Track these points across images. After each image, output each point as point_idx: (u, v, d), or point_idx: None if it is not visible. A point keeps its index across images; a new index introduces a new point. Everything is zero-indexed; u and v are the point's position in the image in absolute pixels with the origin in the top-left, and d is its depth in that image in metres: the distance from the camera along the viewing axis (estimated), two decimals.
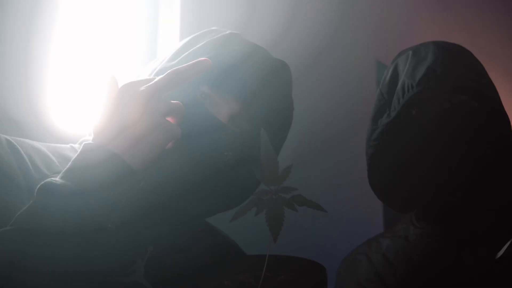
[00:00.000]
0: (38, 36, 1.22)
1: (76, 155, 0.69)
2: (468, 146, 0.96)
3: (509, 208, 1.00)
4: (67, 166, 0.68)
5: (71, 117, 1.26)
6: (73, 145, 0.88)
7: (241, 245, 0.98)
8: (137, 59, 1.43)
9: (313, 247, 1.11)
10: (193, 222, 0.88)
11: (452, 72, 0.97)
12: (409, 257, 1.02)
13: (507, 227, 0.97)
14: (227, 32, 0.90)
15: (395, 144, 1.01)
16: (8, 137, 0.79)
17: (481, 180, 0.97)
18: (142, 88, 0.71)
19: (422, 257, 1.01)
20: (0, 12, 1.16)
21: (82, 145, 0.70)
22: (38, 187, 0.65)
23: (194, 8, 1.47)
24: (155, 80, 0.72)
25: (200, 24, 1.43)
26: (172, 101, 0.73)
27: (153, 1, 1.48)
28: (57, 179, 0.66)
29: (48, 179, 0.66)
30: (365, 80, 1.90)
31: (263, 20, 1.57)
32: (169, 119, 0.74)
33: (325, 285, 0.74)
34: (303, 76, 1.62)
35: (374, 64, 2.03)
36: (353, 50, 1.85)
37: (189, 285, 0.76)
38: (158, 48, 1.45)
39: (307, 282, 0.72)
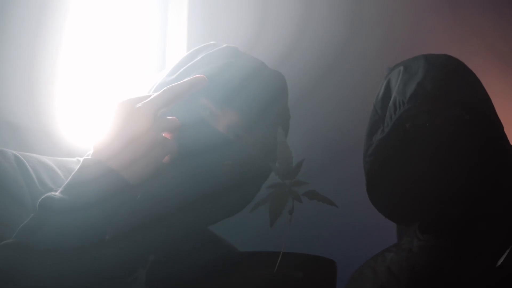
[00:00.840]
0: (46, 46, 1.24)
1: (75, 170, 0.71)
2: (463, 159, 0.96)
3: (507, 216, 0.99)
4: (67, 181, 0.70)
5: (78, 129, 1.28)
6: (79, 158, 0.91)
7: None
8: (146, 69, 1.46)
9: (325, 248, 1.12)
10: (195, 231, 0.90)
11: (442, 88, 0.97)
12: (412, 269, 1.02)
13: (506, 235, 0.96)
14: (224, 45, 0.92)
15: (391, 159, 1.01)
16: (15, 152, 0.82)
17: (477, 191, 0.97)
18: (139, 105, 0.72)
19: (424, 268, 1.01)
20: (8, 16, 1.19)
21: (81, 160, 0.72)
22: (38, 201, 0.68)
23: (201, 20, 1.50)
24: (151, 97, 0.73)
25: (206, 35, 1.46)
26: (168, 117, 0.75)
27: (162, 15, 1.51)
28: (56, 193, 0.68)
29: (48, 194, 0.68)
30: (378, 87, 1.89)
31: (272, 33, 1.58)
32: (165, 134, 0.76)
33: (334, 277, 0.78)
34: (315, 87, 1.63)
35: (387, 71, 2.03)
36: (366, 58, 1.85)
37: None
38: (167, 60, 1.48)
39: (320, 277, 0.76)
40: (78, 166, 0.71)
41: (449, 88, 0.98)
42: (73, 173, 0.71)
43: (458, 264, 0.98)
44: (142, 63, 1.45)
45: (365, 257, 1.16)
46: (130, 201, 0.72)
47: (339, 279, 0.86)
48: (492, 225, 0.99)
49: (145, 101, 0.73)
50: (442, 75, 0.99)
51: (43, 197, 0.68)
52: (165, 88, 0.75)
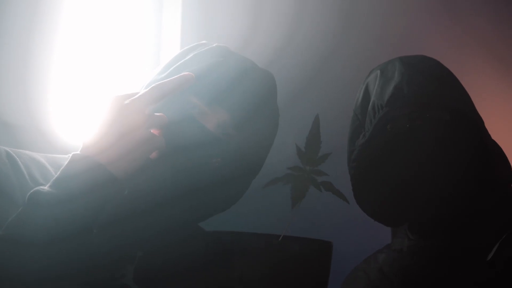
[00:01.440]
0: (39, 44, 1.24)
1: (64, 165, 0.72)
2: (446, 158, 0.97)
3: (496, 213, 1.00)
4: (56, 176, 0.72)
5: (72, 126, 1.29)
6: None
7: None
8: (140, 68, 1.47)
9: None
10: (184, 227, 0.91)
11: (420, 90, 0.97)
12: (403, 269, 1.02)
13: (495, 231, 0.97)
14: (214, 45, 0.94)
15: (375, 163, 1.01)
16: (7, 149, 0.83)
17: (463, 190, 0.97)
18: (127, 102, 0.74)
19: (416, 268, 1.01)
20: (0, 14, 1.19)
21: (70, 156, 0.74)
22: (27, 195, 0.69)
23: (195, 19, 1.51)
24: (139, 94, 0.75)
25: (200, 33, 1.47)
26: (156, 114, 0.76)
27: (156, 14, 1.52)
28: (44, 187, 0.70)
29: (36, 188, 0.69)
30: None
31: (265, 32, 1.59)
32: (154, 131, 0.77)
33: (329, 255, 0.82)
34: (307, 86, 1.64)
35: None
36: (359, 57, 1.85)
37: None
38: (161, 58, 1.49)
39: (315, 252, 0.81)
40: (67, 161, 0.73)
41: (426, 90, 0.98)
42: (61, 168, 0.72)
43: (449, 263, 0.98)
44: (136, 62, 1.46)
45: (364, 251, 1.17)
46: (118, 196, 0.73)
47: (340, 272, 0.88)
48: (481, 222, 0.99)
49: (133, 98, 0.74)
50: (418, 76, 0.99)
51: (31, 191, 0.69)
52: (153, 85, 0.76)
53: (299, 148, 0.81)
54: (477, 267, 0.95)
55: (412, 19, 2.00)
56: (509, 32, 2.37)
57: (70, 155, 0.74)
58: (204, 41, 0.96)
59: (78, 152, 0.73)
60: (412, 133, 0.97)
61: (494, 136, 1.02)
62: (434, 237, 1.02)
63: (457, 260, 0.98)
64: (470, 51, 2.12)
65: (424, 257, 1.01)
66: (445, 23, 2.09)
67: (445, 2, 2.09)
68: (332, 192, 0.82)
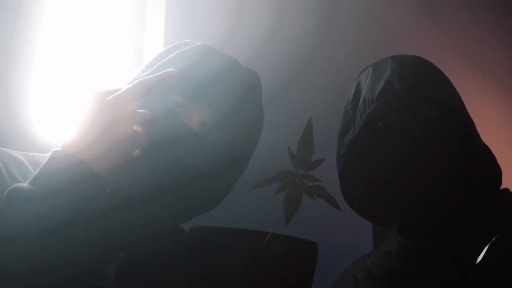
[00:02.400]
0: (19, 42, 1.23)
1: (44, 162, 0.71)
2: (435, 156, 0.96)
3: (484, 213, 0.99)
4: (35, 173, 0.71)
5: (53, 126, 1.28)
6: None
7: None
8: (123, 67, 1.45)
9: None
10: (167, 227, 0.90)
11: (411, 86, 0.97)
12: (392, 272, 1.01)
13: (483, 232, 0.97)
14: (199, 43, 0.93)
15: (363, 158, 1.01)
16: None
17: (452, 190, 0.96)
18: (109, 98, 0.73)
19: (405, 271, 1.00)
20: None
21: (50, 153, 0.72)
22: (6, 192, 0.68)
23: (178, 17, 1.50)
24: (122, 90, 0.74)
25: (183, 32, 1.47)
26: (139, 110, 0.76)
27: (139, 12, 1.51)
28: (24, 184, 0.69)
29: (16, 185, 0.68)
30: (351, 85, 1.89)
31: (248, 28, 1.59)
32: (136, 127, 0.76)
33: (315, 256, 0.82)
34: (290, 83, 1.64)
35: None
36: (341, 56, 1.86)
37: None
38: (144, 58, 1.48)
39: (300, 254, 0.80)
40: (47, 158, 0.72)
41: (417, 86, 0.98)
42: (41, 165, 0.71)
43: (438, 265, 0.98)
44: (119, 60, 1.45)
45: (354, 252, 1.17)
46: (100, 195, 0.72)
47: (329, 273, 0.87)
48: (471, 224, 0.98)
49: (115, 94, 0.74)
50: (409, 72, 1.00)
51: (10, 188, 0.68)
52: (136, 81, 0.75)
53: (292, 152, 0.80)
54: (467, 269, 0.95)
55: (393, 21, 2.01)
56: (488, 37, 2.41)
57: (50, 152, 0.73)
58: (188, 40, 0.95)
59: (59, 149, 0.72)
60: (402, 129, 0.97)
61: None
62: (423, 239, 1.01)
63: (446, 263, 0.98)
64: (452, 57, 2.15)
65: (413, 260, 1.01)
66: (429, 30, 2.12)
67: (425, 7, 2.12)
68: (324, 198, 0.80)
